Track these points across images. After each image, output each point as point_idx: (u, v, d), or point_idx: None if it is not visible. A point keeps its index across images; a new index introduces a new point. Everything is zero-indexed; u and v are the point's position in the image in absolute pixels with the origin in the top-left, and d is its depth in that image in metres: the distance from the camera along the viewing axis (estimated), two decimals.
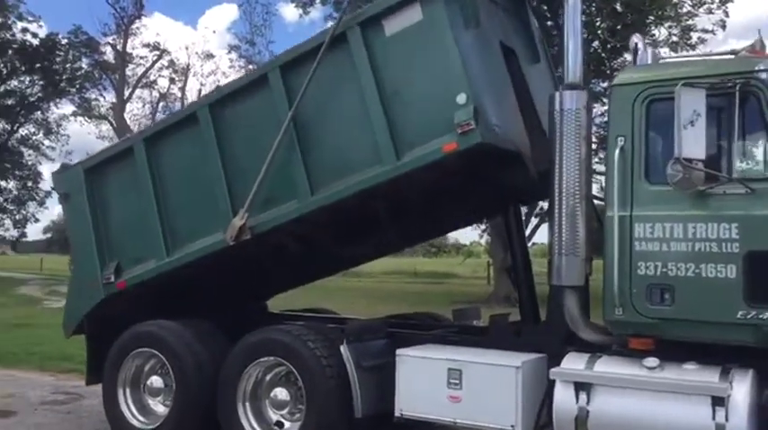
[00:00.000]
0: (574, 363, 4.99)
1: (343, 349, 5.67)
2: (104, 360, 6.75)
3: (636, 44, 5.38)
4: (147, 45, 45.71)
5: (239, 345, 6.12)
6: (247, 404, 6.01)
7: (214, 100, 6.29)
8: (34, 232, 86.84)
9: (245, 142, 6.04)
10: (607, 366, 4.88)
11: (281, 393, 5.95)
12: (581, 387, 4.80)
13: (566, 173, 5.20)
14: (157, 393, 6.61)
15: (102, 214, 6.86)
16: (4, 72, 40.03)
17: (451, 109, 5.02)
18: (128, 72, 45.11)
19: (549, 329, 5.59)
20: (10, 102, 40.60)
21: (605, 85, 23.52)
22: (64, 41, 40.36)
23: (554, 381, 4.94)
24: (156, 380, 6.60)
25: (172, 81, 47.06)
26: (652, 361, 4.65)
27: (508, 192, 6.56)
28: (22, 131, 42.82)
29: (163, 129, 6.65)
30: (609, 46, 24.98)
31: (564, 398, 4.85)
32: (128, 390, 6.68)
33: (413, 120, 5.28)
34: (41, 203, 44.98)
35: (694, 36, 26.39)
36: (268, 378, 6.06)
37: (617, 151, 4.85)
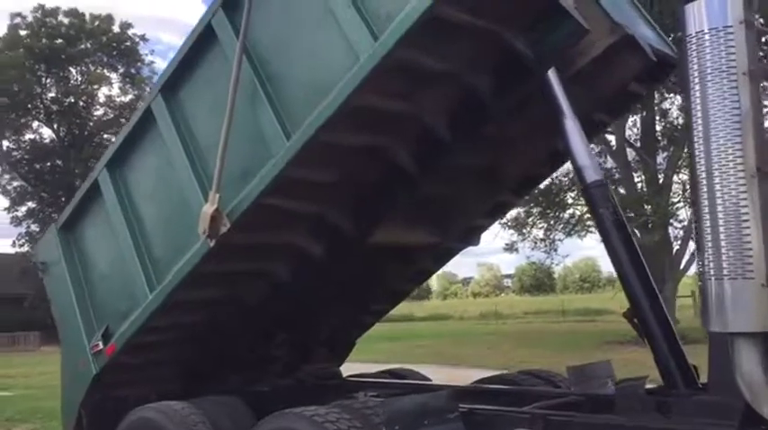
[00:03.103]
0: None
1: None
2: None
3: None
4: None
5: None
6: None
7: (164, 80, 4.86)
8: None
9: (208, 118, 4.55)
10: None
11: None
12: None
13: (715, 135, 3.03)
14: None
15: (84, 275, 5.45)
16: None
17: None
18: None
19: (712, 403, 3.38)
20: None
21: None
22: None
23: None
24: None
25: None
26: None
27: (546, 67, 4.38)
28: None
29: (121, 145, 5.19)
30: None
31: None
32: None
33: None
34: None
35: None
36: None
37: None
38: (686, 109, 3.27)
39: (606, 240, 4.23)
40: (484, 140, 4.75)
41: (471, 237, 6.06)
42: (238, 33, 4.26)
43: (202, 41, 4.57)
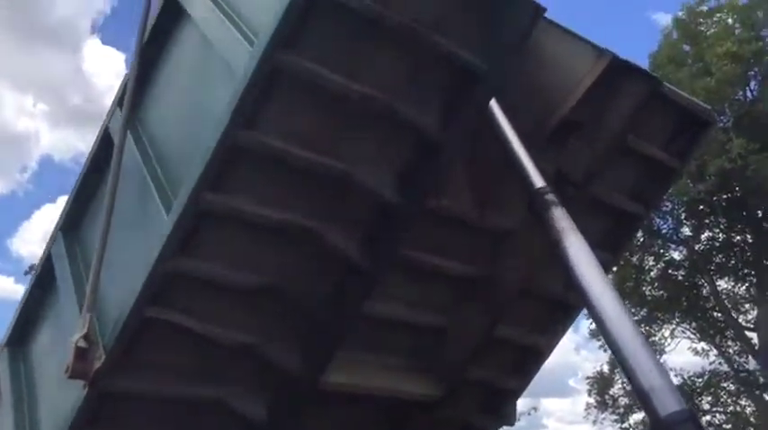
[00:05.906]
0: None
1: None
2: None
3: None
4: None
5: None
6: None
7: (64, 215, 4.14)
8: None
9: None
10: None
11: None
12: None
13: None
14: None
15: None
16: None
17: None
18: None
19: None
20: None
21: None
22: None
23: None
24: None
25: None
26: None
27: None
28: None
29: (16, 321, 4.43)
30: None
31: None
32: None
33: None
34: None
35: None
36: None
37: None
38: None
39: None
40: (460, 223, 3.65)
41: (496, 407, 4.25)
42: (127, 125, 3.50)
43: (99, 156, 3.91)
